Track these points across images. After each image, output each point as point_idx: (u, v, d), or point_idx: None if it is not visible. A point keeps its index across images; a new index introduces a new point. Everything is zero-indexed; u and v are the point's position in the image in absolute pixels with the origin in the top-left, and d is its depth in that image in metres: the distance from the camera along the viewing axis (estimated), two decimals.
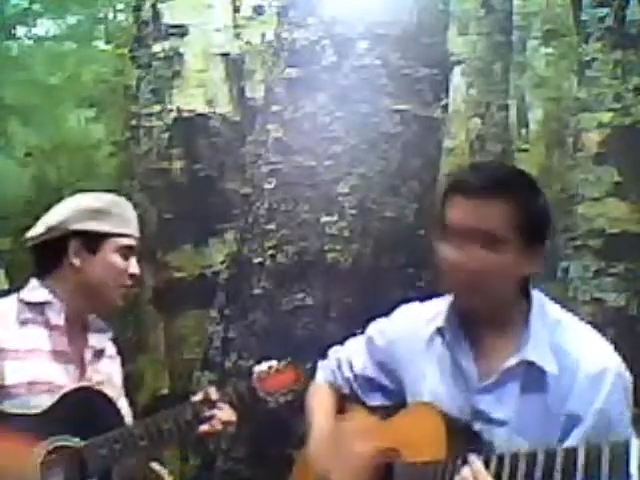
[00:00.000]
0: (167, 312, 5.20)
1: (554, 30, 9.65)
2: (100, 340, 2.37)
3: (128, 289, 2.34)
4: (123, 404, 2.38)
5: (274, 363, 2.40)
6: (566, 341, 1.79)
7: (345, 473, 1.96)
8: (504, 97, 7.86)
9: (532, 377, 1.78)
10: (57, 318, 2.25)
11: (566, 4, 7.66)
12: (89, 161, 8.31)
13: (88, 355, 2.31)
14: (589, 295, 5.03)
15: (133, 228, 2.35)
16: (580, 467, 1.50)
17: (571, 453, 1.54)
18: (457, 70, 7.43)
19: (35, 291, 2.28)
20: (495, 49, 7.71)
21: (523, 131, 10.36)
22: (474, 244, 1.76)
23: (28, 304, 2.25)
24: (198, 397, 2.30)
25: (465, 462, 1.66)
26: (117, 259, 2.29)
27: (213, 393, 2.30)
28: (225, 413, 2.27)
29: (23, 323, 2.23)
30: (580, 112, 5.34)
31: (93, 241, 2.28)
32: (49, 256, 2.30)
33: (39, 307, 2.25)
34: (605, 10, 5.14)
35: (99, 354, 2.36)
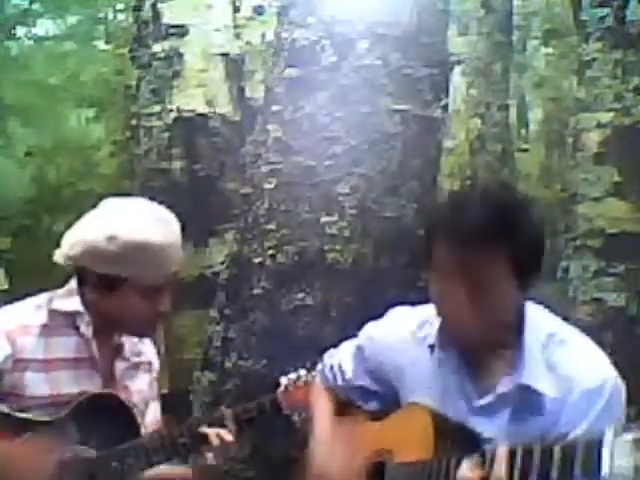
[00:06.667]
0: None
1: (554, 30, 9.67)
2: (136, 349, 2.26)
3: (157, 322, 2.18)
4: (152, 409, 2.29)
5: (303, 373, 2.25)
6: (560, 356, 1.76)
7: (340, 476, 1.96)
8: (504, 97, 7.87)
9: (526, 400, 1.75)
10: (86, 329, 2.14)
11: (566, 4, 7.67)
12: (89, 161, 8.32)
13: (120, 366, 2.21)
14: (589, 295, 5.02)
15: (161, 268, 2.10)
16: (555, 464, 1.52)
17: (547, 450, 1.54)
18: (457, 70, 7.44)
19: (69, 298, 2.15)
20: (495, 49, 7.71)
21: (523, 131, 10.37)
22: (462, 287, 1.72)
23: (58, 312, 2.14)
24: (224, 413, 2.21)
25: (459, 464, 1.65)
26: (139, 301, 2.10)
27: (226, 412, 2.20)
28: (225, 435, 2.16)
29: (51, 330, 2.12)
30: (580, 112, 5.34)
31: (110, 281, 2.09)
32: (76, 276, 2.17)
33: (71, 316, 2.14)
34: (605, 10, 5.14)
35: (134, 367, 2.26)
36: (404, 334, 1.95)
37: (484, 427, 1.78)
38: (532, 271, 1.75)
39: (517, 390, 1.76)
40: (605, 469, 1.44)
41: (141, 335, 2.24)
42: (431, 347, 1.87)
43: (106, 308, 2.13)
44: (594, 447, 1.47)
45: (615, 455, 1.44)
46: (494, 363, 1.80)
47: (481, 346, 1.80)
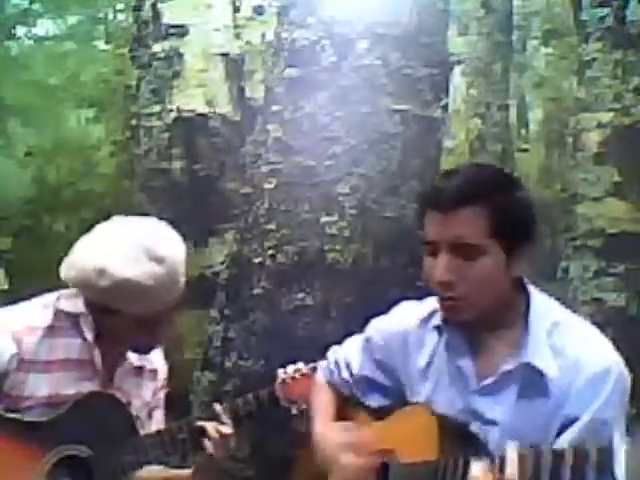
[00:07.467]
0: None
1: (554, 30, 9.67)
2: (142, 356, 2.24)
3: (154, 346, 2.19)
4: (155, 418, 2.29)
5: (301, 366, 2.25)
6: (566, 342, 1.77)
7: (343, 474, 1.96)
8: (504, 97, 7.88)
9: (531, 380, 1.76)
10: (88, 332, 2.14)
11: (566, 4, 7.68)
12: (89, 161, 8.31)
13: (121, 372, 2.20)
14: (589, 295, 5.04)
15: (153, 303, 2.08)
16: (567, 469, 1.52)
17: (559, 455, 1.54)
18: (457, 70, 7.45)
19: (74, 299, 2.14)
20: (495, 49, 7.72)
21: (523, 131, 10.38)
22: (452, 257, 1.75)
23: (64, 313, 2.13)
24: (218, 408, 2.20)
25: (467, 465, 1.65)
26: (134, 328, 2.11)
27: (219, 408, 2.20)
28: (225, 428, 2.16)
29: (56, 332, 2.11)
30: (580, 112, 5.35)
31: (103, 307, 2.10)
32: None
33: (74, 317, 2.14)
34: (605, 10, 5.15)
35: (137, 372, 2.25)
36: (412, 323, 1.96)
37: (489, 407, 1.79)
38: (519, 238, 1.77)
39: (521, 369, 1.77)
40: (619, 474, 1.45)
41: (140, 353, 2.22)
42: (438, 329, 1.89)
43: (104, 325, 2.13)
44: (606, 451, 1.48)
45: (628, 459, 1.45)
46: (499, 344, 1.81)
47: (477, 320, 1.81)
